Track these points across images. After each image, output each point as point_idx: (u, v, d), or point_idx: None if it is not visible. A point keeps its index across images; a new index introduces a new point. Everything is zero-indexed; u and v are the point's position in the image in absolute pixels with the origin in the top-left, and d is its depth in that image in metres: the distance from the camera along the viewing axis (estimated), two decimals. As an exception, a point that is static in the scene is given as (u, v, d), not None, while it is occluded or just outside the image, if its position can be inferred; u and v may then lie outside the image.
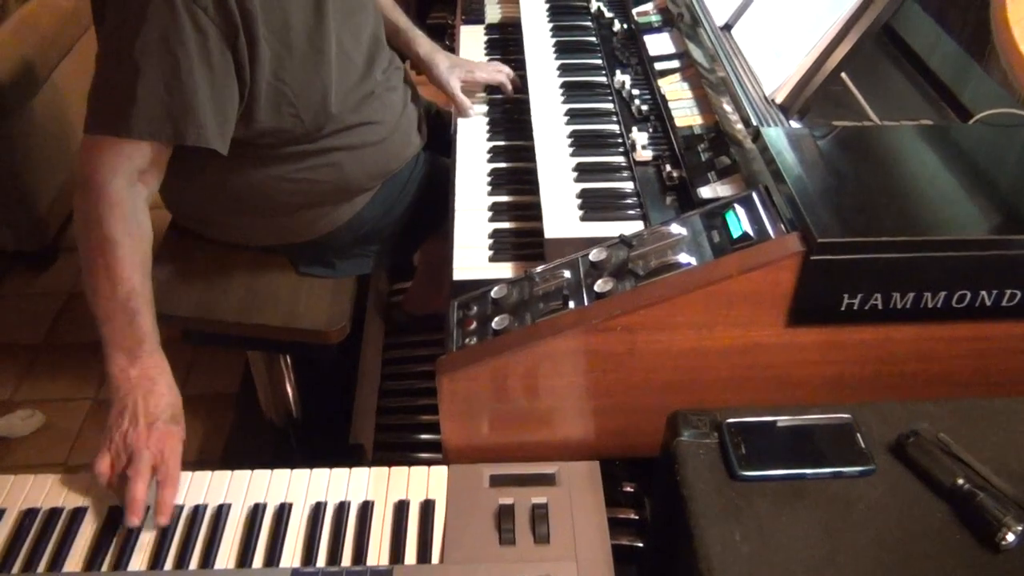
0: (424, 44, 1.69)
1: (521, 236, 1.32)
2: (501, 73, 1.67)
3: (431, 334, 1.99)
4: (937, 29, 1.42)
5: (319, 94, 1.32)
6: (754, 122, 1.15)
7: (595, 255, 1.09)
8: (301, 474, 1.07)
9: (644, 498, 1.27)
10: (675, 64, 1.49)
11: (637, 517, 1.27)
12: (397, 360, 2.04)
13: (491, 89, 1.68)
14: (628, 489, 1.29)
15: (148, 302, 1.13)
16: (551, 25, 1.78)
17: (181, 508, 1.03)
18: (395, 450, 1.84)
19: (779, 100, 1.19)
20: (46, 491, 1.05)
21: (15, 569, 0.97)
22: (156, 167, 1.21)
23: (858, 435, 0.89)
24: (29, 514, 1.02)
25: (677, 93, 1.42)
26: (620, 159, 1.39)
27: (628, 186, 1.33)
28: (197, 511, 1.02)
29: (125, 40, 1.13)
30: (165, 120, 1.16)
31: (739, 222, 1.02)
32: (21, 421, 2.05)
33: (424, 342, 2.04)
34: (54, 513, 1.02)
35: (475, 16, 1.96)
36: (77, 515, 1.02)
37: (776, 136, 1.10)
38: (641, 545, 1.19)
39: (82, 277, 1.15)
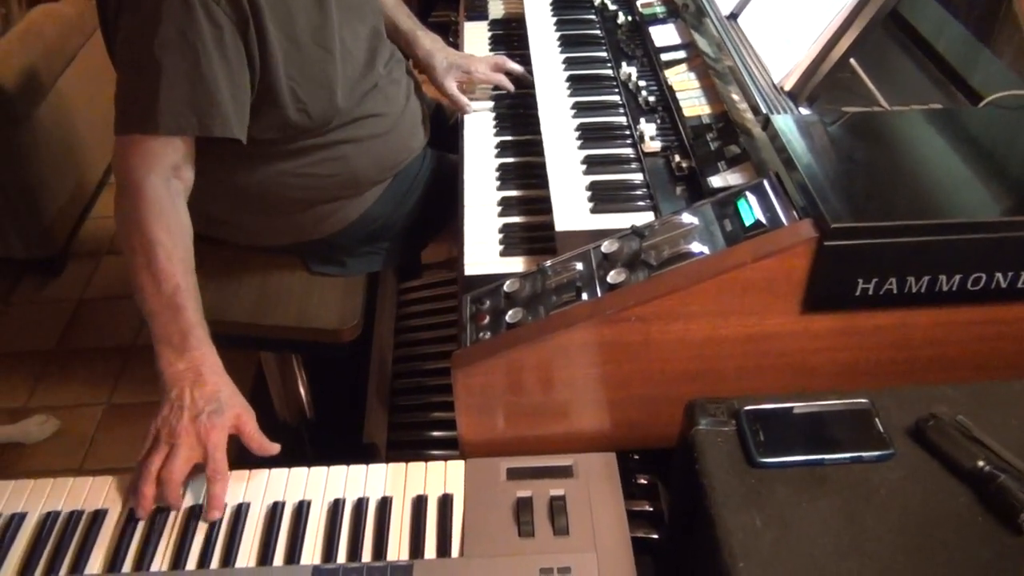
0: (424, 44, 1.68)
1: (531, 230, 1.32)
2: (499, 73, 1.66)
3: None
4: (944, 13, 1.42)
5: (325, 89, 1.33)
6: (763, 110, 1.15)
7: (607, 247, 1.09)
8: (319, 472, 1.07)
9: (658, 490, 1.27)
10: (681, 55, 1.49)
11: (652, 509, 1.27)
12: (408, 358, 2.04)
13: (494, 86, 1.67)
14: (642, 481, 1.29)
15: (193, 296, 1.14)
16: (555, 19, 1.78)
17: (201, 507, 1.03)
18: (408, 448, 1.84)
19: (788, 87, 1.19)
20: (66, 494, 1.06)
21: (38, 572, 0.97)
22: (188, 161, 1.22)
23: (876, 420, 0.89)
24: (50, 517, 1.03)
25: (684, 83, 1.41)
26: (629, 151, 1.38)
27: (637, 177, 1.33)
28: (217, 510, 1.03)
29: (144, 40, 1.15)
30: (191, 114, 1.17)
31: (751, 210, 1.02)
32: (36, 427, 2.06)
33: (435, 339, 2.04)
34: (74, 515, 1.03)
35: (479, 12, 1.96)
36: (97, 517, 1.03)
37: (786, 123, 1.09)
38: (656, 537, 1.19)
39: (128, 276, 1.15)
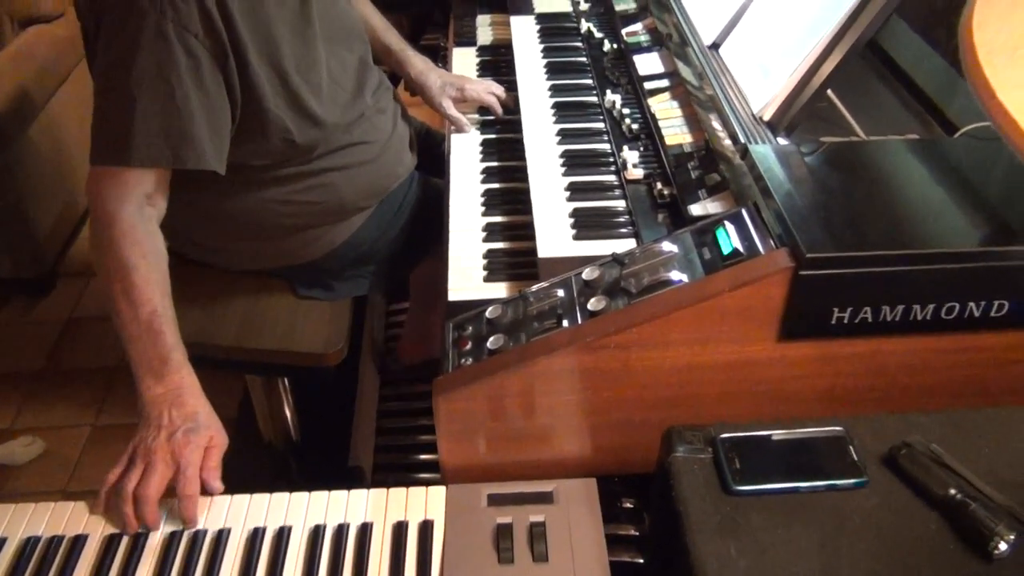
0: (416, 64, 1.71)
1: (515, 256, 1.33)
2: (490, 94, 1.68)
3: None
4: (922, 44, 1.44)
5: (311, 119, 1.34)
6: (742, 139, 1.16)
7: (588, 274, 1.10)
8: (300, 497, 1.07)
9: (643, 514, 1.28)
10: (664, 83, 1.51)
11: (637, 533, 1.27)
12: (395, 381, 2.04)
13: (483, 110, 1.69)
14: (627, 505, 1.29)
15: (170, 320, 1.15)
16: (542, 46, 1.80)
17: (181, 533, 1.03)
18: (395, 471, 1.84)
19: (767, 117, 1.21)
20: (47, 519, 1.06)
21: (17, 598, 0.97)
22: (161, 189, 1.23)
23: (851, 447, 0.90)
24: (30, 542, 1.03)
25: (667, 112, 1.43)
26: (612, 178, 1.40)
27: (620, 204, 1.34)
28: (197, 536, 1.03)
29: (120, 71, 1.16)
30: (164, 146, 1.18)
31: (729, 239, 1.04)
32: (22, 448, 2.05)
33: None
34: (54, 541, 1.03)
35: (467, 38, 1.99)
36: (77, 542, 1.03)
37: (764, 153, 1.11)
38: (641, 561, 1.20)
39: (106, 304, 1.16)
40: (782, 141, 1.19)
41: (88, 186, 1.21)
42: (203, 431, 1.08)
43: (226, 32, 1.19)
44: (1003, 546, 0.79)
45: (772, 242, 1.01)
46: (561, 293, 1.10)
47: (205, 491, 1.07)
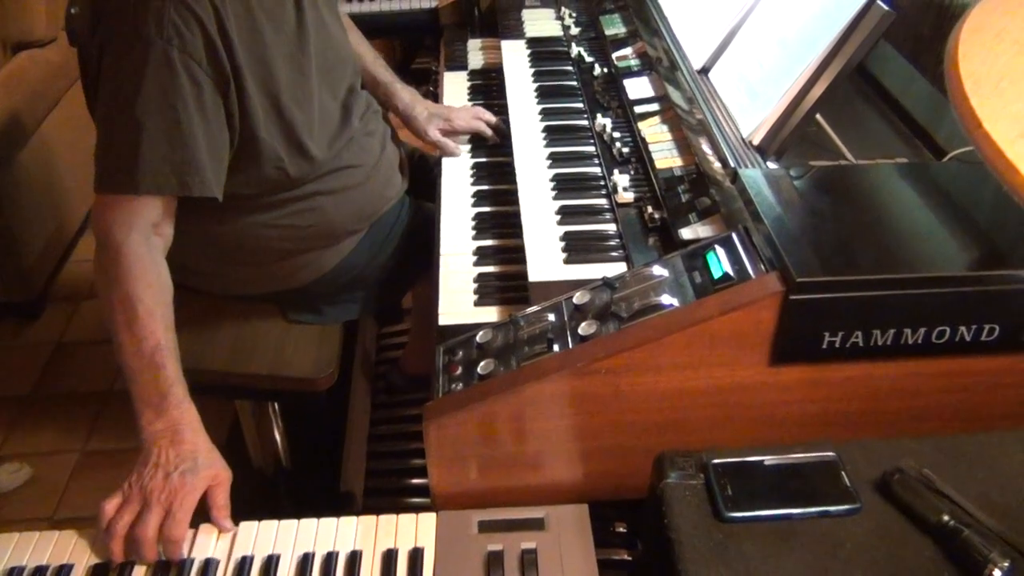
0: (403, 97, 1.71)
1: (506, 280, 1.33)
2: (479, 120, 1.69)
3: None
4: (910, 69, 1.45)
5: (302, 147, 1.34)
6: (732, 163, 1.17)
7: (578, 298, 1.10)
8: (288, 525, 1.06)
9: (636, 539, 1.26)
10: (655, 107, 1.52)
11: (630, 558, 1.26)
12: (386, 404, 2.03)
13: (474, 135, 1.70)
14: (620, 529, 1.28)
15: (172, 354, 1.13)
16: (533, 70, 1.81)
17: (167, 563, 1.02)
18: (386, 496, 1.82)
19: (756, 141, 1.21)
20: (31, 548, 1.04)
21: (-1, 630, 0.96)
22: (168, 217, 1.23)
23: (843, 473, 0.90)
24: (14, 572, 1.01)
25: (657, 135, 1.44)
26: (602, 201, 1.40)
27: (611, 228, 1.34)
28: (184, 566, 1.02)
29: (125, 98, 1.16)
30: (170, 174, 1.18)
31: (720, 263, 1.04)
32: (8, 475, 2.03)
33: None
34: (39, 570, 1.01)
35: (458, 62, 2.00)
36: (63, 571, 1.01)
37: (754, 177, 1.11)
38: (634, 587, 1.19)
39: (109, 335, 1.14)
40: (772, 165, 1.19)
41: (94, 215, 1.20)
42: (202, 471, 1.07)
43: (227, 59, 1.20)
44: (997, 573, 0.79)
45: (762, 266, 1.01)
46: (552, 317, 1.10)
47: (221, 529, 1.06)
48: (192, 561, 1.02)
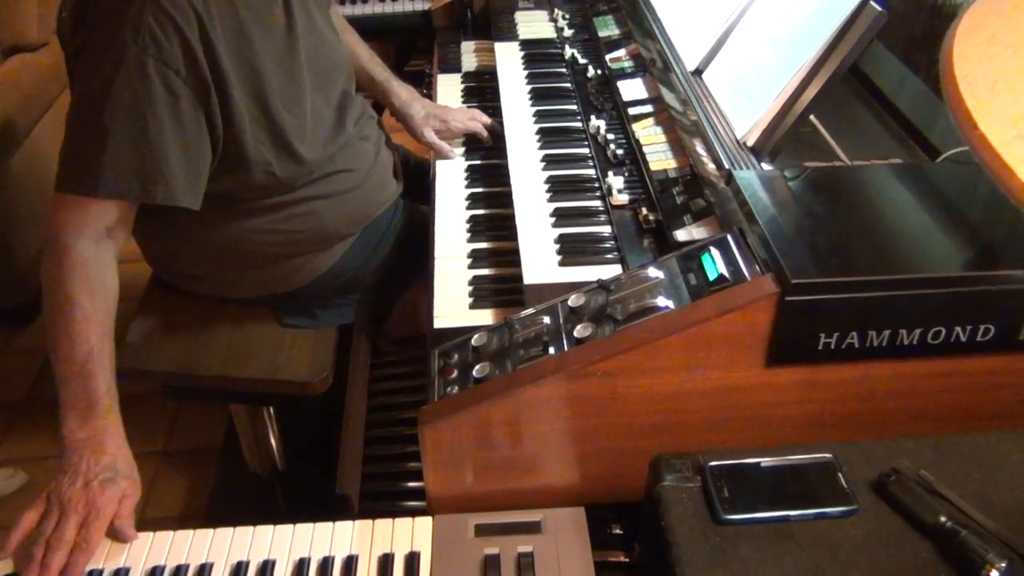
0: (400, 95, 1.71)
1: (501, 282, 1.33)
2: (475, 121, 1.68)
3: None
4: (904, 70, 1.45)
5: (292, 152, 1.34)
6: (726, 165, 1.17)
7: (574, 301, 1.09)
8: (284, 530, 1.06)
9: (633, 541, 1.26)
10: (648, 109, 1.52)
11: (627, 560, 1.26)
12: (382, 407, 2.02)
13: (469, 136, 1.70)
14: (617, 531, 1.28)
15: (106, 363, 1.13)
16: (526, 72, 1.81)
17: (163, 568, 1.01)
18: (382, 499, 1.82)
19: (750, 143, 1.21)
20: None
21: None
22: (124, 223, 1.22)
23: (840, 475, 0.90)
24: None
25: (651, 137, 1.44)
26: (597, 203, 1.40)
27: (605, 230, 1.34)
28: (179, 571, 1.01)
29: (95, 101, 1.15)
30: (133, 179, 1.16)
31: (715, 264, 1.04)
32: (2, 481, 2.02)
33: (409, 388, 2.03)
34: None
35: (452, 65, 1.99)
36: None
37: (748, 179, 1.11)
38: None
39: (46, 335, 1.14)
40: (766, 166, 1.19)
41: (49, 214, 1.18)
42: (120, 480, 1.07)
43: (209, 68, 1.19)
44: (995, 574, 0.79)
45: (758, 267, 1.01)
46: (547, 320, 1.10)
47: (120, 538, 1.05)
48: (187, 567, 1.02)
